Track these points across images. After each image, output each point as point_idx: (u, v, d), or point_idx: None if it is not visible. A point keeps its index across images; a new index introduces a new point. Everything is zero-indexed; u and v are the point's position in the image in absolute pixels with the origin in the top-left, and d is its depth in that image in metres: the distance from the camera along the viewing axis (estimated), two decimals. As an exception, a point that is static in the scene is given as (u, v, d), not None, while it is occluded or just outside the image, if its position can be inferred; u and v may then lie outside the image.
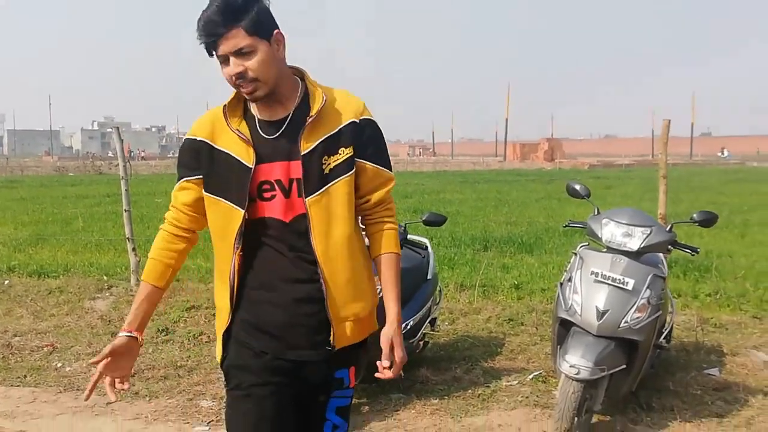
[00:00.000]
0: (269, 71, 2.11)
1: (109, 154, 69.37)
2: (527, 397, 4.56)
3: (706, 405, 4.40)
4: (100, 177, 34.49)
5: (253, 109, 2.21)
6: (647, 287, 3.93)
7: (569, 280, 4.11)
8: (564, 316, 4.02)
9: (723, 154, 65.02)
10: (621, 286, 3.91)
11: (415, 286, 4.80)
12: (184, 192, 2.27)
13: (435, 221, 5.03)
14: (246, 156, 2.15)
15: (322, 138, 2.18)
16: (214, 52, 2.08)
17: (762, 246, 10.46)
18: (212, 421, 4.35)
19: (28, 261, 9.09)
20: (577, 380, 3.71)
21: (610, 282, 3.94)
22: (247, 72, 2.07)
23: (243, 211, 2.15)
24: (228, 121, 2.19)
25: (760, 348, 5.46)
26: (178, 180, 2.29)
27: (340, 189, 2.19)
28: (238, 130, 2.17)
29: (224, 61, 2.09)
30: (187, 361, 5.22)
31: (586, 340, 3.85)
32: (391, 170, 2.34)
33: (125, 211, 7.68)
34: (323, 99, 2.19)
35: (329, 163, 2.18)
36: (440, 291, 5.39)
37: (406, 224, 4.68)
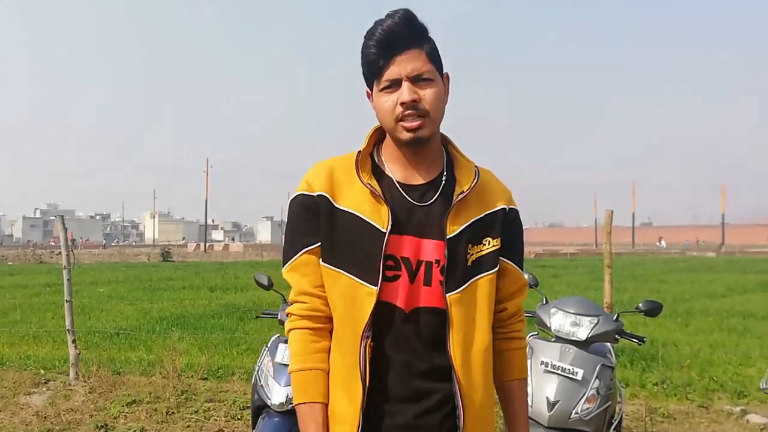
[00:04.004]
0: (440, 110, 1.76)
1: (51, 243, 67.80)
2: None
3: (658, 497, 4.36)
4: (40, 266, 33.56)
5: (388, 168, 1.82)
6: (596, 377, 3.93)
7: (520, 370, 4.08)
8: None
9: (660, 243, 67.00)
10: (570, 376, 3.90)
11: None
12: (310, 268, 1.78)
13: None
14: (378, 218, 1.73)
15: (470, 221, 1.79)
16: (378, 73, 1.73)
17: (705, 334, 10.67)
18: None
19: (-40, 354, 8.69)
20: (530, 474, 3.64)
21: (559, 372, 3.93)
22: (422, 102, 1.70)
23: (376, 290, 1.70)
24: (359, 171, 1.78)
25: (708, 437, 5.49)
26: (297, 253, 1.79)
27: (482, 287, 1.80)
28: (369, 184, 1.75)
29: (393, 85, 1.71)
30: (126, 459, 4.97)
31: (537, 432, 3.80)
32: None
33: (66, 301, 7.46)
34: (476, 174, 1.82)
35: (472, 254, 1.79)
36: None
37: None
